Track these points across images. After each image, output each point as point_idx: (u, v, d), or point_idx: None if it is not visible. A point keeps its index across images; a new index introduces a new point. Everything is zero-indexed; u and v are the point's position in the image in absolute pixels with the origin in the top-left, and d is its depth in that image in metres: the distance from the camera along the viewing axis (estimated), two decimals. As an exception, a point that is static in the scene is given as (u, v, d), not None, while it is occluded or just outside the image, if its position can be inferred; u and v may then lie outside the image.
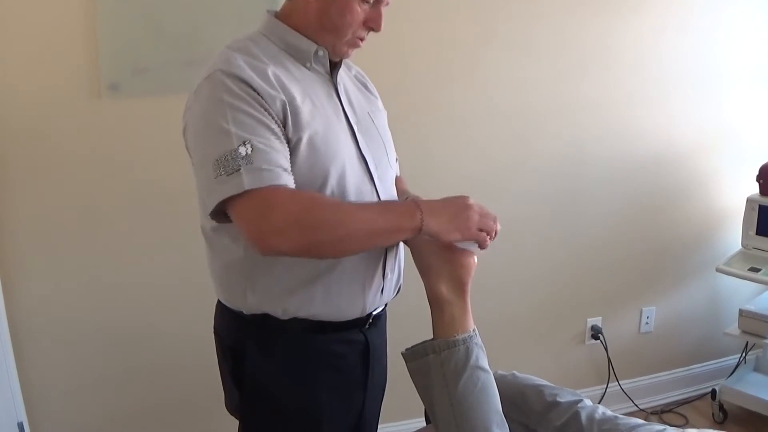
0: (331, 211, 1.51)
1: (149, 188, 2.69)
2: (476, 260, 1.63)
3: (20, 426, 2.64)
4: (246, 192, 1.43)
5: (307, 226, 1.46)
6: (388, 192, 1.76)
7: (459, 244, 1.61)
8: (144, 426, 2.91)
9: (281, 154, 1.49)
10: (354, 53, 1.77)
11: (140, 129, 2.65)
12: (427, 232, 1.54)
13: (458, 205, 1.59)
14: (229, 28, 2.54)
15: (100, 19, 2.53)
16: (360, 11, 1.62)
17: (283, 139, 1.52)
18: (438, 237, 1.57)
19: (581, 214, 3.35)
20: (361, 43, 1.70)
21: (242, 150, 1.44)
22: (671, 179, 3.49)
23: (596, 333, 3.49)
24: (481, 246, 1.61)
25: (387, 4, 1.67)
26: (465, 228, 1.56)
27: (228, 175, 1.44)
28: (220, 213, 1.51)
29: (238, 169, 1.43)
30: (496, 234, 1.62)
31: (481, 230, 1.58)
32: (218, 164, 1.46)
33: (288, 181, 1.48)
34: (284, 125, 1.54)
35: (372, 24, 1.65)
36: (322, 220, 1.47)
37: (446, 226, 1.55)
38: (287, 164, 1.50)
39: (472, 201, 1.60)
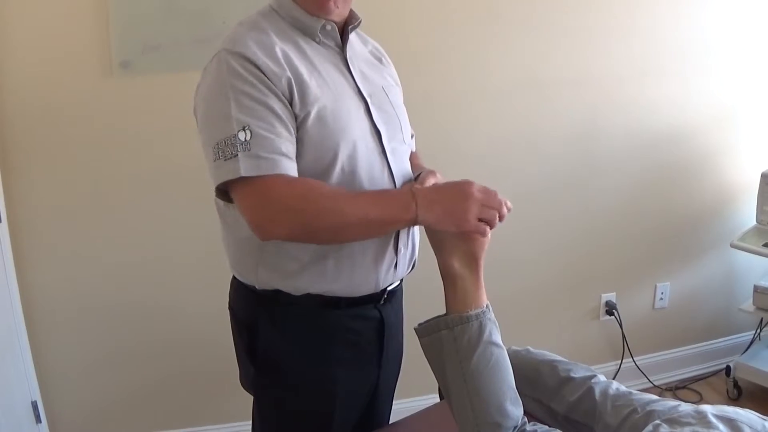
0: (326, 200, 1.51)
1: (162, 165, 2.70)
2: (489, 235, 1.61)
3: (34, 405, 2.67)
4: (243, 178, 1.45)
5: (302, 215, 1.48)
6: (401, 167, 1.75)
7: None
8: (158, 403, 2.94)
9: (282, 138, 1.49)
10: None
11: (152, 106, 2.65)
12: (421, 223, 1.55)
13: (457, 195, 1.53)
14: (241, 5, 2.53)
15: (111, -4, 2.52)
16: None
17: (287, 120, 1.52)
18: (433, 228, 1.58)
19: (595, 188, 3.33)
20: None
21: (241, 135, 1.45)
22: (685, 153, 3.46)
23: (611, 309, 3.48)
24: (482, 234, 1.57)
25: None
26: (462, 220, 1.52)
27: (226, 160, 1.46)
28: (226, 193, 1.53)
29: (236, 155, 1.45)
30: (503, 217, 1.56)
31: (482, 220, 1.53)
32: (218, 148, 1.47)
33: (287, 167, 1.48)
34: (291, 102, 1.53)
35: None
36: (316, 210, 1.48)
37: (442, 219, 1.53)
38: (289, 148, 1.50)
39: (474, 188, 1.53)
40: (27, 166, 2.58)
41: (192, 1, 2.60)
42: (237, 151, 1.45)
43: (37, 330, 2.69)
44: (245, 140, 1.45)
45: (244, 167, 1.44)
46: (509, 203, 1.58)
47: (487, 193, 1.54)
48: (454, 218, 1.52)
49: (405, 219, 1.53)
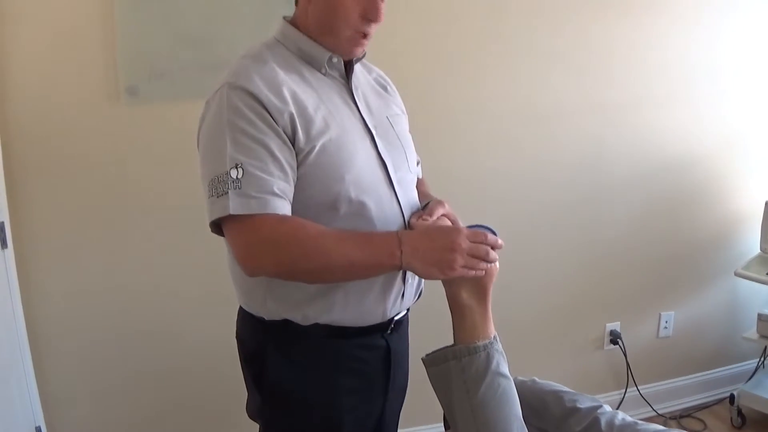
0: (312, 241, 1.51)
1: (168, 193, 2.70)
2: (498, 267, 1.62)
3: (38, 430, 2.65)
4: (232, 216, 1.47)
5: (287, 255, 1.50)
6: (408, 196, 1.75)
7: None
8: (162, 431, 2.91)
9: (275, 177, 1.50)
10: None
11: (158, 132, 2.66)
12: (406, 269, 1.55)
13: (444, 246, 1.52)
14: (246, 32, 2.58)
15: (119, 22, 2.55)
16: (352, 4, 1.61)
17: (283, 159, 1.52)
18: (419, 275, 1.59)
19: (600, 217, 3.34)
20: (365, 39, 1.67)
21: (233, 173, 1.47)
22: (689, 182, 3.48)
23: (615, 338, 3.48)
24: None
25: None
26: (448, 269, 1.50)
27: (218, 197, 1.48)
28: (219, 228, 1.55)
29: (227, 192, 1.47)
30: (491, 261, 1.56)
31: (474, 257, 1.52)
32: (212, 185, 1.50)
33: (276, 207, 1.49)
34: (294, 137, 1.54)
35: (369, 15, 1.62)
36: (302, 251, 1.50)
37: (426, 267, 1.52)
38: (281, 187, 1.51)
39: (461, 239, 1.51)
40: (33, 191, 2.59)
41: (199, 29, 2.62)
42: (228, 188, 1.47)
43: (42, 355, 2.68)
44: (236, 178, 1.47)
45: (233, 205, 1.46)
46: (500, 241, 1.57)
47: (475, 239, 1.53)
48: (440, 267, 1.51)
49: (389, 265, 1.53)
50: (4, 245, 2.49)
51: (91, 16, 2.53)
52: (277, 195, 1.49)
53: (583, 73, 3.16)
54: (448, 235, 1.54)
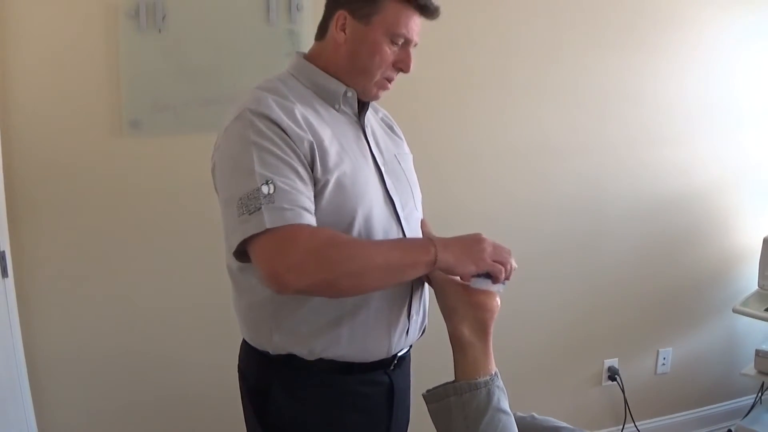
0: (348, 246, 1.52)
1: (169, 225, 2.71)
2: (499, 303, 1.63)
3: (36, 460, 2.64)
4: (267, 230, 1.44)
5: (325, 261, 1.46)
6: (415, 233, 1.77)
7: (475, 284, 1.61)
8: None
9: (304, 195, 1.50)
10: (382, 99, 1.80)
11: (161, 165, 2.67)
12: (441, 264, 1.55)
13: (471, 240, 1.60)
14: (251, 67, 2.61)
15: (122, 56, 2.57)
16: (389, 52, 1.66)
17: (307, 180, 1.53)
18: (453, 270, 1.58)
19: (598, 254, 3.36)
20: (389, 84, 1.73)
21: (264, 189, 1.46)
22: (688, 218, 3.50)
23: (613, 374, 3.48)
24: (496, 278, 1.60)
25: (415, 44, 1.70)
26: (479, 259, 1.57)
27: (250, 214, 1.46)
28: (243, 253, 1.52)
29: (260, 208, 1.45)
30: (512, 269, 1.63)
31: (496, 262, 1.59)
32: (241, 203, 1.47)
33: (309, 220, 1.49)
34: (312, 166, 1.55)
35: (401, 65, 1.69)
36: (340, 256, 1.48)
37: (460, 258, 1.56)
38: (309, 205, 1.51)
39: (485, 236, 1.62)
40: (35, 221, 2.59)
41: (202, 62, 2.64)
42: (260, 204, 1.45)
43: (40, 383, 2.66)
44: (268, 193, 1.46)
45: (269, 219, 1.44)
46: (514, 263, 1.64)
47: (496, 242, 1.63)
48: (472, 257, 1.57)
49: (425, 261, 1.54)
50: (5, 274, 2.49)
51: (95, 50, 2.55)
52: (307, 210, 1.49)
53: (580, 112, 3.19)
54: (472, 234, 1.63)
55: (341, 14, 1.67)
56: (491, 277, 1.60)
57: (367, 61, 1.67)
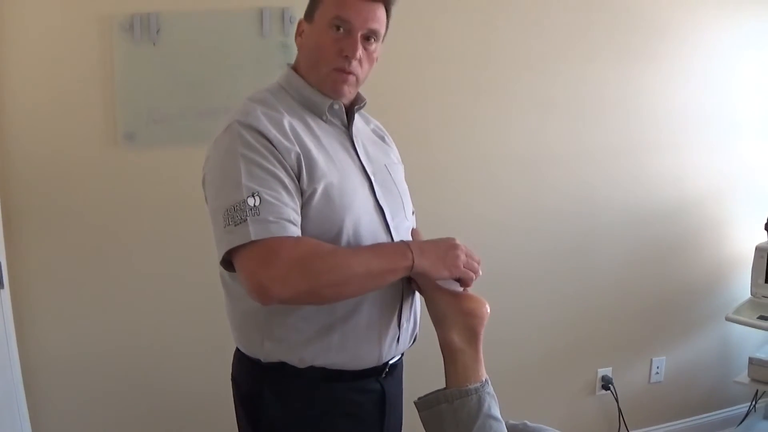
0: (330, 256, 1.53)
1: (164, 236, 2.72)
2: (488, 310, 1.64)
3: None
4: (251, 242, 1.47)
5: (308, 271, 1.49)
6: None
7: (443, 284, 1.66)
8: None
9: (289, 207, 1.53)
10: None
11: (156, 177, 2.68)
12: (417, 269, 1.58)
13: (446, 246, 1.64)
14: (244, 79, 2.63)
15: (117, 69, 2.59)
16: (331, 40, 1.66)
17: (294, 192, 1.56)
18: (428, 275, 1.62)
19: (590, 264, 3.37)
20: (348, 76, 1.70)
21: (251, 201, 1.48)
22: (680, 227, 3.52)
23: (606, 383, 3.48)
24: (466, 284, 1.67)
25: (371, 34, 1.69)
26: (453, 266, 1.62)
27: (236, 226, 1.48)
28: (230, 263, 1.55)
29: (245, 220, 1.47)
30: (477, 275, 1.67)
31: (467, 269, 1.64)
32: (228, 214, 1.50)
33: (293, 232, 1.51)
34: (299, 177, 1.58)
35: (346, 52, 1.66)
36: (322, 266, 1.50)
37: (435, 264, 1.60)
38: (295, 217, 1.53)
39: (459, 242, 1.66)
40: (30, 233, 2.60)
41: (196, 75, 2.66)
42: (246, 216, 1.47)
43: (36, 396, 2.67)
44: (254, 206, 1.48)
45: (254, 231, 1.46)
46: (481, 271, 1.69)
47: (468, 248, 1.67)
48: (446, 264, 1.62)
49: (404, 266, 1.57)
50: (1, 285, 2.49)
51: (90, 63, 2.58)
52: (292, 222, 1.52)
53: (574, 121, 3.22)
54: (446, 239, 1.66)
55: (300, 21, 1.75)
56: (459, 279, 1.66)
57: (313, 54, 1.70)
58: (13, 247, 2.56)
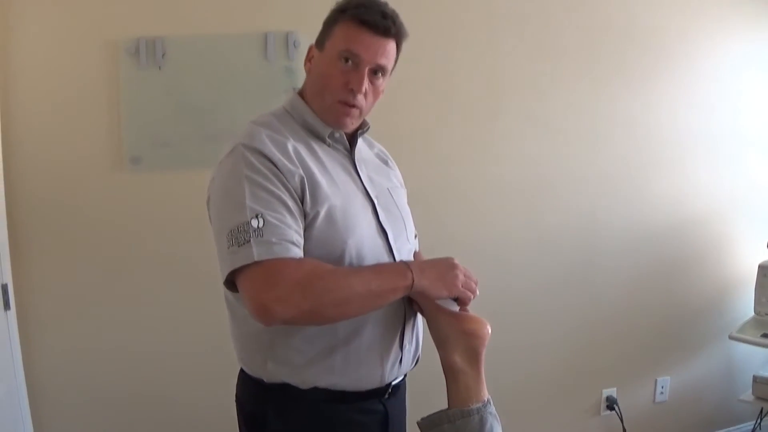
0: (331, 277, 1.54)
1: (169, 259, 2.75)
2: (490, 331, 1.66)
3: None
4: (254, 263, 1.48)
5: (310, 292, 1.49)
6: None
7: (440, 302, 1.68)
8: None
9: (292, 228, 1.54)
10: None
11: (161, 201, 2.71)
12: (417, 288, 1.60)
13: (445, 265, 1.67)
14: (249, 103, 2.65)
15: (123, 93, 2.62)
16: (339, 72, 1.67)
17: (297, 214, 1.57)
18: (428, 294, 1.64)
19: (594, 284, 3.38)
20: (352, 109, 1.71)
21: (254, 222, 1.50)
22: (683, 246, 3.53)
23: (611, 404, 3.48)
24: (464, 303, 1.69)
25: (379, 69, 1.70)
26: (452, 285, 1.64)
27: (239, 246, 1.50)
28: (233, 283, 1.56)
29: (249, 241, 1.49)
30: (474, 296, 1.69)
31: (466, 289, 1.67)
32: (232, 235, 1.51)
33: (296, 253, 1.53)
34: (302, 199, 1.59)
35: (352, 85, 1.67)
36: (324, 287, 1.51)
37: (435, 284, 1.63)
38: (297, 238, 1.55)
39: (457, 262, 1.68)
40: (37, 255, 2.63)
41: (201, 100, 2.69)
42: (249, 237, 1.49)
43: (42, 415, 2.68)
44: (258, 227, 1.50)
45: (258, 252, 1.48)
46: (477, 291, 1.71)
47: (466, 268, 1.70)
48: (445, 283, 1.64)
49: (404, 285, 1.58)
50: (7, 307, 2.52)
51: (96, 87, 2.61)
52: (295, 244, 1.53)
53: (578, 142, 3.24)
54: (445, 258, 1.69)
55: (310, 47, 1.77)
56: (457, 299, 1.69)
57: (319, 82, 1.71)
58: (19, 269, 2.58)
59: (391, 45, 1.70)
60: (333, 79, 1.68)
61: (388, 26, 1.67)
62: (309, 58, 1.77)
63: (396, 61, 1.75)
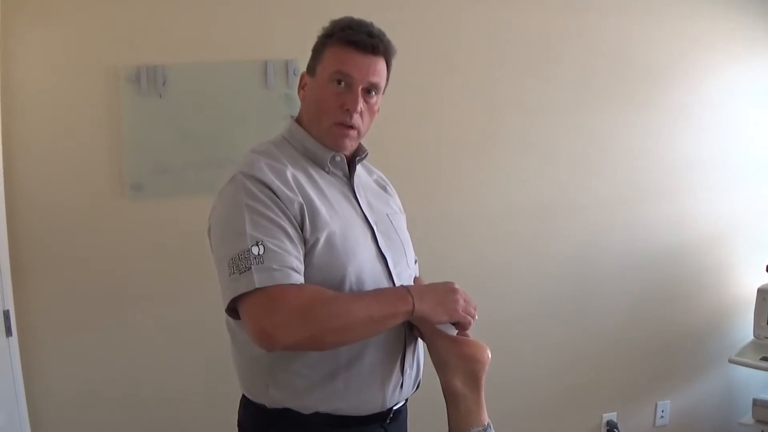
0: (332, 303, 1.55)
1: (171, 284, 2.76)
2: (490, 356, 1.66)
3: None
4: (256, 290, 1.49)
5: (311, 319, 1.51)
6: None
7: (440, 327, 1.68)
8: None
9: (292, 255, 1.55)
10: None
11: (162, 227, 2.73)
12: (417, 313, 1.60)
13: (445, 290, 1.67)
14: (249, 130, 2.67)
15: (124, 120, 2.65)
16: (333, 95, 1.70)
17: (297, 240, 1.58)
18: (428, 318, 1.64)
19: (594, 308, 3.39)
20: (349, 131, 1.73)
21: (255, 250, 1.51)
22: (682, 271, 3.54)
23: (612, 428, 3.48)
24: (464, 328, 1.69)
25: (372, 87, 1.72)
26: (452, 310, 1.65)
27: (240, 274, 1.51)
28: (235, 310, 1.57)
29: (250, 268, 1.50)
30: (473, 320, 1.70)
31: (465, 314, 1.67)
32: (233, 263, 1.52)
33: (297, 279, 1.54)
34: (302, 226, 1.61)
35: (347, 105, 1.69)
36: (325, 313, 1.53)
37: (435, 309, 1.63)
38: (298, 265, 1.56)
39: (457, 286, 1.69)
40: (38, 281, 2.64)
41: (201, 127, 2.72)
42: (250, 264, 1.50)
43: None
44: (258, 254, 1.51)
45: (258, 279, 1.49)
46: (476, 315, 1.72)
47: (466, 293, 1.70)
48: (446, 308, 1.65)
49: (404, 311, 1.59)
50: (9, 333, 2.52)
51: (97, 114, 2.64)
52: (295, 270, 1.54)
53: (577, 169, 3.26)
54: (446, 283, 1.70)
55: (302, 75, 1.80)
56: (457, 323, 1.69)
57: (315, 107, 1.73)
58: (21, 295, 2.59)
59: (381, 63, 1.73)
60: (328, 102, 1.70)
61: (376, 44, 1.70)
62: (302, 86, 1.80)
63: (387, 80, 1.77)
